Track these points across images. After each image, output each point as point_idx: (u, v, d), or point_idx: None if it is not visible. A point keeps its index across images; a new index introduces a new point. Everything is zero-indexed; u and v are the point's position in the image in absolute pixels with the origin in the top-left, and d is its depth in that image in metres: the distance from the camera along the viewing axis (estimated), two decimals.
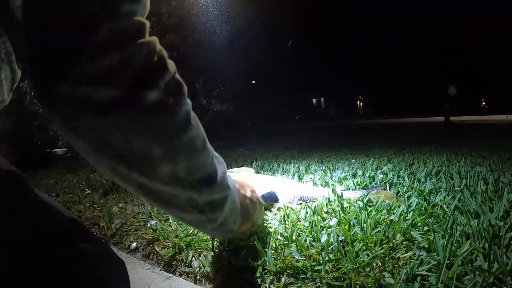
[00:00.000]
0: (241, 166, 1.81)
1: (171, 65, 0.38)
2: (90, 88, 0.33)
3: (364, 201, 0.94)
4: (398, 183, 1.23)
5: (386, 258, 0.62)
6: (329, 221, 0.83)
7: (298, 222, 0.84)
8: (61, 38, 0.32)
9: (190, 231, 0.84)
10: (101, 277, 0.35)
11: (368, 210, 0.86)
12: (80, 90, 0.33)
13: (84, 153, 0.38)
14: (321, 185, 1.30)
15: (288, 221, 0.84)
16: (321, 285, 0.59)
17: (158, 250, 0.82)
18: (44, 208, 0.36)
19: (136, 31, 0.35)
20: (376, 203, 0.91)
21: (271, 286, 0.61)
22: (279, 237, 0.76)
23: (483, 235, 0.67)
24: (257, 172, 1.66)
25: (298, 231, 0.78)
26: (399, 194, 1.06)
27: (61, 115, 0.35)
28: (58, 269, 0.32)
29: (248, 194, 0.62)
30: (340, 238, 0.71)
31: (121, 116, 0.35)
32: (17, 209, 0.34)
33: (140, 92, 0.35)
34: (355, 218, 0.81)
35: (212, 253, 0.74)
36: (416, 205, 0.90)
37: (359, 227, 0.76)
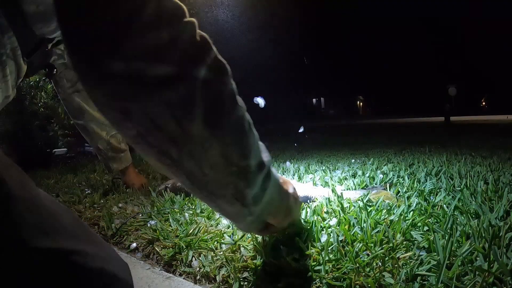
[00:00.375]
0: None
1: (213, 44, 0.39)
2: (143, 64, 0.33)
3: (364, 201, 0.94)
4: (398, 183, 1.23)
5: (386, 258, 0.62)
6: (329, 221, 0.82)
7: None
8: (112, 14, 0.32)
9: (190, 231, 0.84)
10: (104, 279, 0.35)
11: (368, 210, 0.86)
12: (134, 65, 0.33)
13: (132, 138, 0.38)
14: (321, 185, 1.30)
15: None
16: (321, 285, 0.59)
17: (158, 250, 0.82)
18: (47, 209, 0.36)
19: (180, 11, 0.36)
20: (376, 203, 0.91)
21: (271, 286, 0.61)
22: (278, 237, 0.76)
23: (483, 235, 0.67)
24: None
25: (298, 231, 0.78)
26: (399, 194, 1.05)
27: (113, 94, 0.34)
28: (60, 271, 0.32)
29: (291, 190, 0.62)
30: (340, 238, 0.71)
31: (173, 93, 0.35)
32: (20, 210, 0.33)
33: (190, 69, 0.35)
34: (355, 218, 0.81)
35: (212, 253, 0.73)
36: (416, 205, 0.90)
37: (359, 227, 0.76)
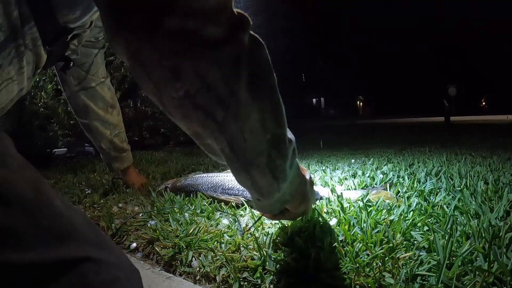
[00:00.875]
0: None
1: None
2: (199, 23, 0.34)
3: (364, 201, 0.94)
4: (398, 183, 1.23)
5: (386, 258, 0.62)
6: (329, 221, 0.83)
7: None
8: None
9: (190, 231, 0.84)
10: (113, 286, 0.34)
11: (368, 210, 0.86)
12: (190, 23, 0.34)
13: (177, 101, 0.38)
14: (321, 185, 1.30)
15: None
16: (321, 285, 0.59)
17: (158, 250, 0.82)
18: (61, 213, 0.35)
19: None
20: (376, 203, 0.91)
21: (271, 286, 0.61)
22: (278, 237, 0.76)
23: (483, 235, 0.67)
24: None
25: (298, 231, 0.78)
26: (399, 194, 1.05)
27: (167, 52, 0.35)
28: (73, 280, 0.31)
29: (307, 177, 0.63)
30: (340, 238, 0.71)
31: (224, 54, 0.36)
32: (33, 213, 0.32)
33: (238, 34, 0.37)
34: (355, 218, 0.81)
35: (212, 253, 0.73)
36: (416, 205, 0.90)
37: (359, 227, 0.76)
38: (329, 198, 1.00)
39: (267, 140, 0.44)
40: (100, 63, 1.24)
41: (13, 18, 0.55)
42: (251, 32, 0.41)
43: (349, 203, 0.94)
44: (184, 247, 0.78)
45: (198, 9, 0.34)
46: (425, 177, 1.31)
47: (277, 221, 0.86)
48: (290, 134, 0.50)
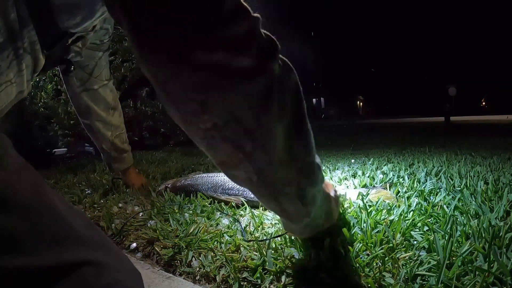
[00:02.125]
0: None
1: None
2: (228, 54, 0.33)
3: (364, 201, 0.94)
4: (398, 183, 1.23)
5: (386, 258, 0.62)
6: None
7: None
8: (198, 6, 0.32)
9: (190, 231, 0.84)
10: None
11: (368, 210, 0.86)
12: (219, 56, 0.33)
13: (204, 132, 0.37)
14: None
15: None
16: (321, 285, 0.59)
17: (158, 250, 0.82)
18: (61, 215, 0.35)
19: (246, 6, 0.36)
20: (376, 203, 0.91)
21: (271, 286, 0.61)
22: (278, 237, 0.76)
23: (483, 235, 0.67)
24: None
25: None
26: (399, 194, 1.05)
27: (194, 85, 0.34)
28: (68, 280, 0.31)
29: (332, 193, 0.63)
30: (340, 238, 0.71)
31: (254, 86, 0.35)
32: (32, 216, 0.32)
33: (267, 63, 0.36)
34: (355, 218, 0.81)
35: (211, 253, 0.73)
36: (416, 205, 0.90)
37: (359, 227, 0.76)
38: None
39: (296, 169, 0.43)
40: (104, 65, 1.24)
41: (11, 20, 0.55)
42: (280, 56, 0.39)
43: (349, 203, 0.94)
44: (184, 247, 0.78)
45: (227, 40, 0.33)
46: (425, 177, 1.31)
47: (277, 221, 0.86)
48: (317, 159, 0.49)
